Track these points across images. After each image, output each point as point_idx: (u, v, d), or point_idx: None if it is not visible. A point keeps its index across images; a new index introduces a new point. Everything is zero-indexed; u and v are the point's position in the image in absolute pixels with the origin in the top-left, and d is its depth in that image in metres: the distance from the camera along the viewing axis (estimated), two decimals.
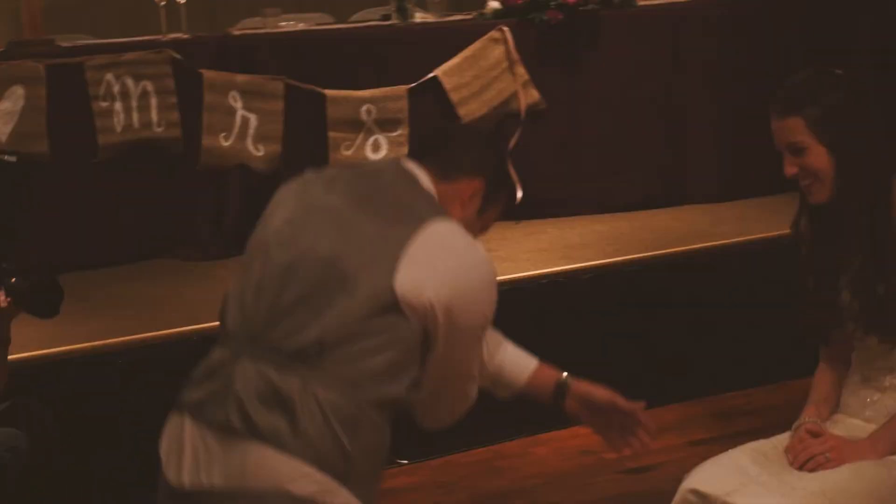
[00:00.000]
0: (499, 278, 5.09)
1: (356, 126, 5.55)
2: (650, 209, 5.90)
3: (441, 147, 2.54)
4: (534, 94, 5.78)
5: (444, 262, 2.31)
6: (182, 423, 2.34)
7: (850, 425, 2.85)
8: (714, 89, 6.01)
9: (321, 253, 2.33)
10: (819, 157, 2.73)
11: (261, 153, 5.44)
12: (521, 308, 4.49)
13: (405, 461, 4.49)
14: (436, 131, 2.66)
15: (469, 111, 5.68)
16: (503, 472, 4.46)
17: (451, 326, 2.32)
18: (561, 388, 2.76)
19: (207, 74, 5.39)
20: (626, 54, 5.91)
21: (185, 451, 2.31)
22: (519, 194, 5.69)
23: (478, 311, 2.38)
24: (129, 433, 4.09)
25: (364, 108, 5.56)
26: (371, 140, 5.58)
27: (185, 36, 5.54)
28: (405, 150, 5.56)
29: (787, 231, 5.17)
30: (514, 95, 5.74)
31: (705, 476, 2.74)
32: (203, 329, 4.38)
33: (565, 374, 2.78)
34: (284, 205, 2.46)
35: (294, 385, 2.26)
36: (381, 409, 2.32)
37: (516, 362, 2.77)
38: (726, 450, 2.90)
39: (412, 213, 2.36)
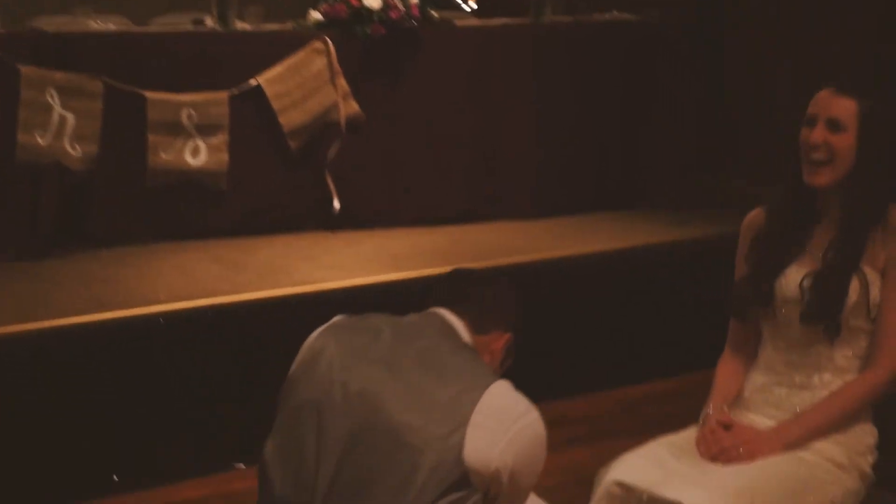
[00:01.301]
0: (332, 286, 5.03)
1: (176, 130, 5.47)
2: (465, 223, 5.99)
3: (475, 297, 2.56)
4: (353, 107, 5.80)
5: (507, 428, 2.29)
6: None
7: (751, 421, 2.95)
8: (531, 108, 6.14)
9: (385, 424, 2.29)
10: (848, 143, 2.86)
11: (77, 153, 5.28)
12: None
13: (242, 465, 4.49)
14: (465, 277, 2.66)
15: (290, 119, 5.67)
16: None
17: (513, 488, 2.33)
18: None
19: (25, 70, 5.20)
20: (446, 71, 6.00)
21: None
22: (336, 205, 5.72)
23: (536, 469, 2.39)
24: None
25: (184, 112, 5.48)
26: (190, 144, 5.51)
27: (1, 31, 5.34)
28: (225, 156, 5.53)
29: (604, 247, 5.41)
30: (335, 106, 5.76)
31: (628, 468, 2.81)
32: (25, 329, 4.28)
33: None
34: (326, 361, 2.40)
35: None
36: None
37: None
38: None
39: (469, 378, 2.34)
